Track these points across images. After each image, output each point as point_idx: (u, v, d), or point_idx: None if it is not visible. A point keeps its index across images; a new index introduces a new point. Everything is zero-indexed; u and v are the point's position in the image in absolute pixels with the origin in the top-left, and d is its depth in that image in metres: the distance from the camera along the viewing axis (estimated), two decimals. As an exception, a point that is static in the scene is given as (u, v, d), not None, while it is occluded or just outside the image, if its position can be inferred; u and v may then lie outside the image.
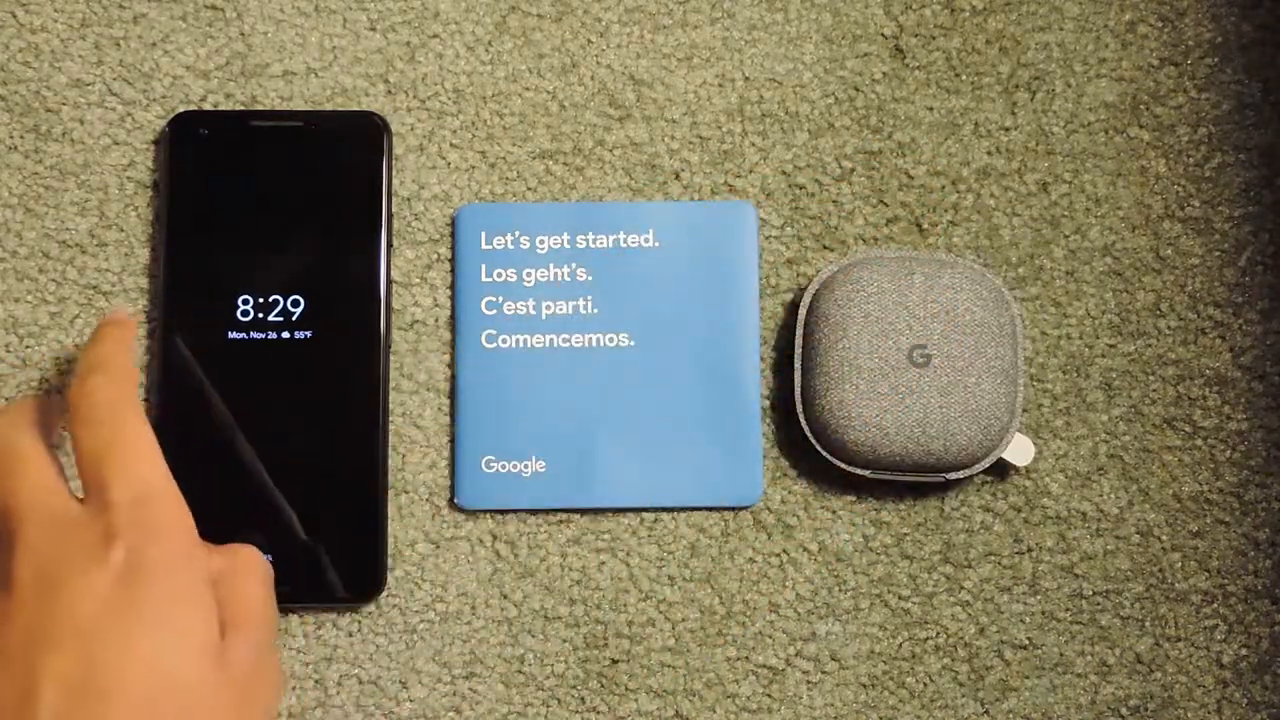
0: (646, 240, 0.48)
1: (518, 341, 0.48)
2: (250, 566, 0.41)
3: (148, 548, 0.37)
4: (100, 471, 0.38)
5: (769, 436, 0.48)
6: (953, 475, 0.46)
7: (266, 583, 0.41)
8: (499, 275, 0.48)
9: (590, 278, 0.48)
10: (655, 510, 0.48)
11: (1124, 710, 0.48)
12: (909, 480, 0.47)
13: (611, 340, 0.48)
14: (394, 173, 0.49)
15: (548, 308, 0.48)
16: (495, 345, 0.48)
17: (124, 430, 0.39)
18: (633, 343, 0.48)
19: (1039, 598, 0.48)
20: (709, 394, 0.48)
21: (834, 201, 0.49)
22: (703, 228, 0.48)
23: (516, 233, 0.48)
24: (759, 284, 0.49)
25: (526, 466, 0.47)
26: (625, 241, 0.48)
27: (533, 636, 0.47)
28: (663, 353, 0.48)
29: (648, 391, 0.48)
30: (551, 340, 0.48)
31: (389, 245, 0.48)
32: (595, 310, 0.48)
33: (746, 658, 0.47)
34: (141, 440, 0.39)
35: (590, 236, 0.48)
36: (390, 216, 0.48)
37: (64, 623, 0.35)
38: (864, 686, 0.47)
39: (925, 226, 0.49)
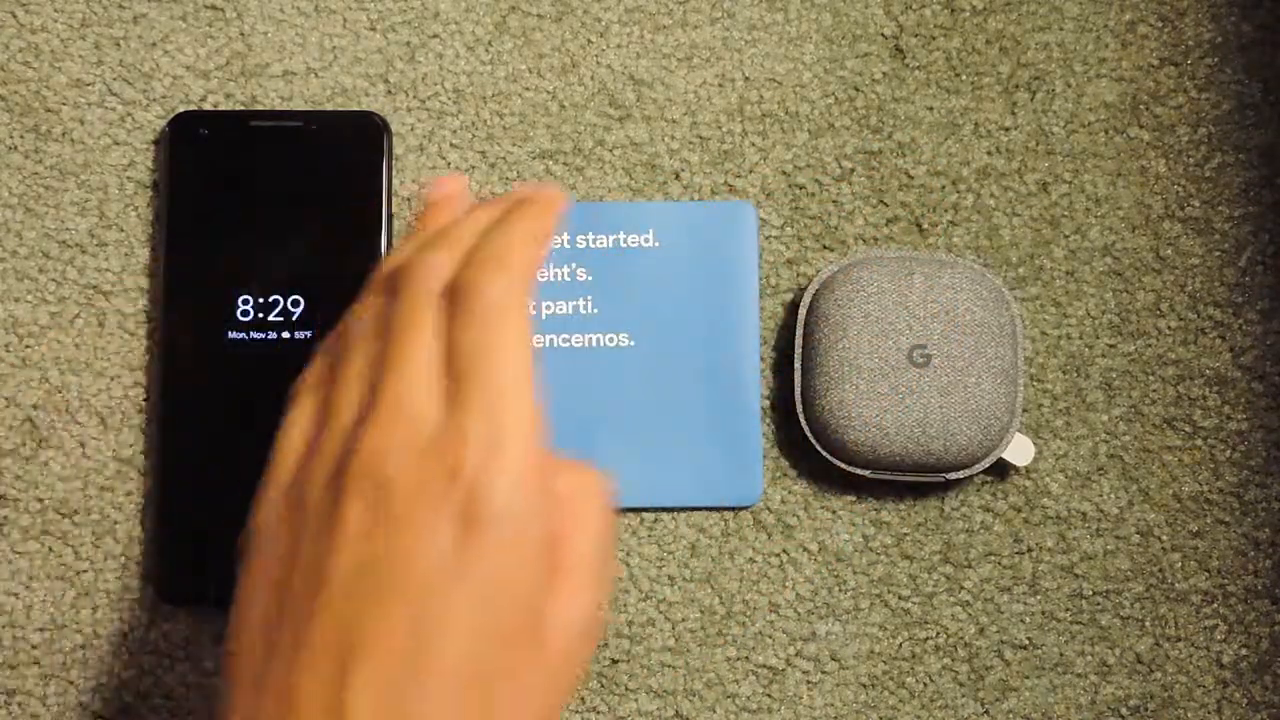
0: (646, 240, 0.48)
1: None
2: (590, 506, 0.34)
3: (493, 495, 0.31)
4: (464, 383, 0.32)
5: (769, 436, 0.48)
6: (953, 475, 0.46)
7: (604, 525, 0.35)
8: None
9: (590, 278, 0.48)
10: (655, 510, 0.48)
11: (1124, 710, 0.48)
12: (909, 480, 0.47)
13: (611, 340, 0.48)
14: (394, 173, 0.49)
15: (547, 308, 0.48)
16: None
17: (507, 338, 0.33)
18: (633, 342, 0.48)
19: (1039, 598, 0.48)
20: (709, 394, 0.48)
21: (834, 201, 0.49)
22: (703, 228, 0.48)
23: None
24: (759, 284, 0.49)
25: None
26: (625, 241, 0.48)
27: (533, 636, 0.47)
28: (663, 353, 0.48)
29: (648, 391, 0.48)
30: (551, 340, 0.48)
31: (389, 245, 0.48)
32: (595, 310, 0.48)
33: (746, 658, 0.47)
34: (520, 353, 0.33)
35: (590, 237, 0.48)
36: (390, 216, 0.48)
37: (399, 572, 0.31)
38: (864, 686, 0.47)
39: (925, 226, 0.49)
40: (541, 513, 0.32)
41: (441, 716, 0.30)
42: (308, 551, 0.32)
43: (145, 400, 0.47)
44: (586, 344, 0.48)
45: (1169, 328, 0.49)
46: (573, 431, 0.47)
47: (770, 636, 0.47)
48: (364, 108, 0.49)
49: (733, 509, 0.48)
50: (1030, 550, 0.48)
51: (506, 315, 0.33)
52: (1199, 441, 0.49)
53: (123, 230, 0.48)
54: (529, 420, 0.32)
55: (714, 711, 0.47)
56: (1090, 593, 0.48)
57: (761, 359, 0.49)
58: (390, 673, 0.30)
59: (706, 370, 0.48)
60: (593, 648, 0.34)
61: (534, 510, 0.32)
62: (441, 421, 0.32)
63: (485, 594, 0.31)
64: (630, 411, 0.48)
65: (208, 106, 0.49)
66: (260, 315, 0.47)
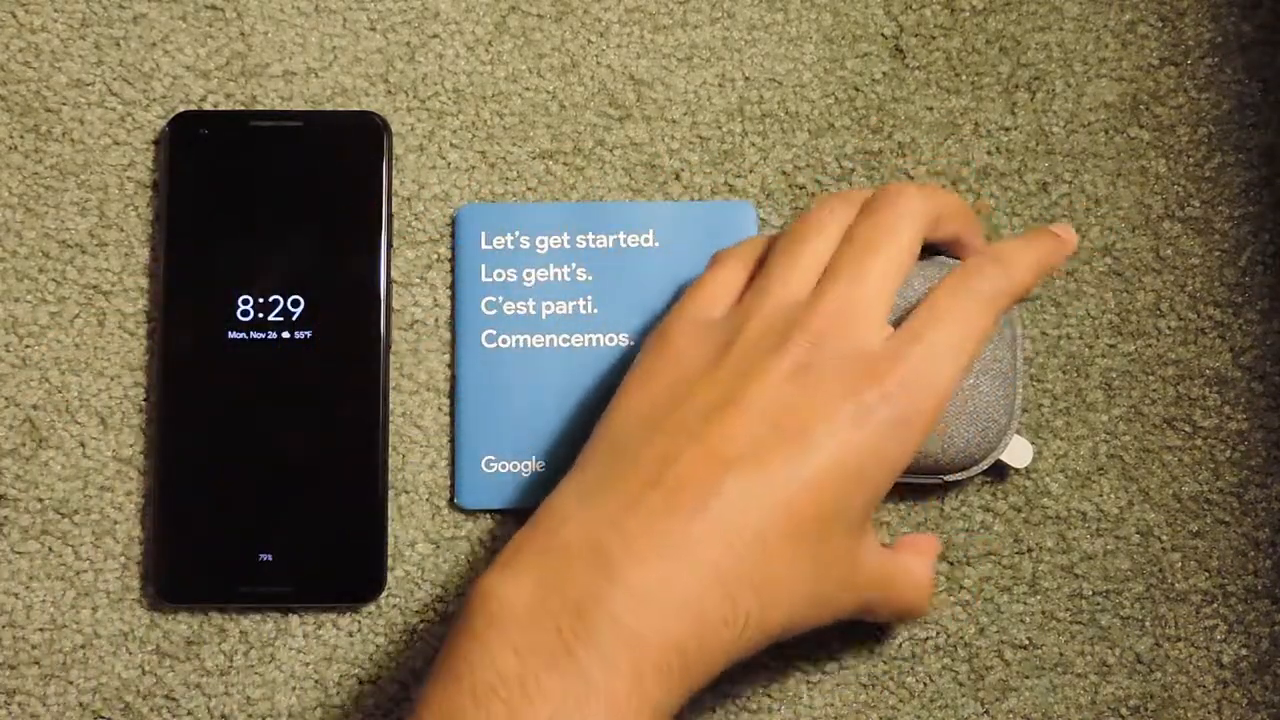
0: (646, 240, 0.48)
1: (518, 341, 0.48)
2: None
3: (890, 410, 0.38)
4: (925, 326, 0.39)
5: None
6: (950, 477, 0.46)
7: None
8: (499, 275, 0.48)
9: (590, 278, 0.48)
10: None
11: (1124, 710, 0.48)
12: (908, 482, 0.47)
13: (612, 340, 0.48)
14: (394, 173, 0.49)
15: (548, 308, 0.48)
16: (495, 345, 0.48)
17: (972, 317, 0.40)
18: (633, 342, 0.48)
19: (1039, 598, 0.48)
20: None
21: (834, 201, 0.49)
22: (703, 227, 0.48)
23: (516, 233, 0.48)
24: None
25: (526, 466, 0.47)
26: (625, 241, 0.48)
27: (532, 636, 0.47)
28: None
29: None
30: (552, 340, 0.48)
31: (389, 245, 0.48)
32: (595, 310, 0.48)
33: (747, 657, 0.47)
34: (976, 334, 0.40)
35: (590, 236, 0.48)
36: (390, 216, 0.48)
37: (751, 406, 0.38)
38: (864, 686, 0.47)
39: (925, 226, 0.49)
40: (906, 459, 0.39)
41: (774, 519, 0.37)
42: (726, 375, 0.39)
43: (145, 400, 0.48)
44: (587, 344, 0.48)
45: (1169, 328, 0.49)
46: (573, 431, 0.47)
47: (770, 636, 0.47)
48: (364, 108, 0.49)
49: None
50: (1030, 550, 0.48)
51: (986, 307, 0.41)
52: (1199, 441, 0.49)
53: (123, 230, 0.48)
54: (948, 385, 0.39)
55: (714, 711, 0.47)
56: (1090, 593, 0.48)
57: None
58: (773, 476, 0.37)
59: None
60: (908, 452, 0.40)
61: (906, 454, 0.39)
62: (884, 338, 0.39)
63: (844, 478, 0.38)
64: None
65: (208, 106, 0.49)
66: (260, 315, 0.47)
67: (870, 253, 0.40)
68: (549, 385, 0.47)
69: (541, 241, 0.48)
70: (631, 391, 0.40)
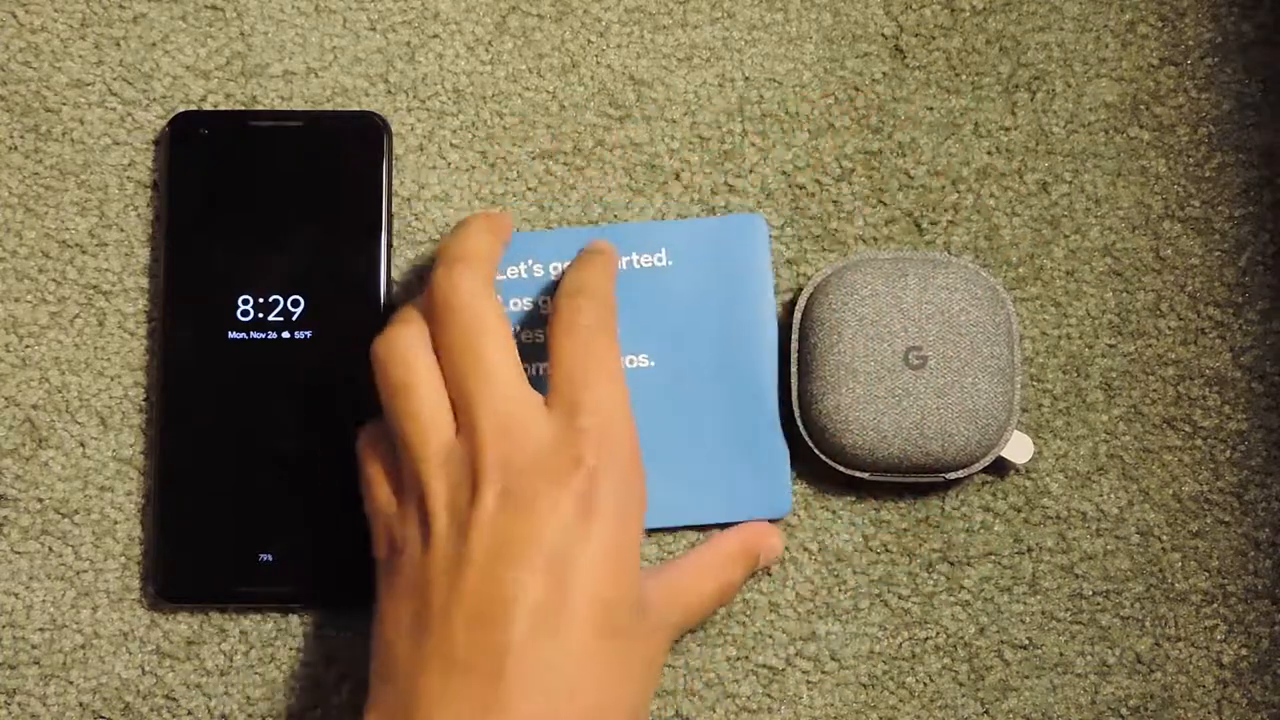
0: (659, 260, 0.47)
1: (539, 370, 0.46)
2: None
3: (606, 480, 0.39)
4: (576, 391, 0.39)
5: (769, 436, 0.48)
6: (951, 475, 0.46)
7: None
8: (515, 305, 0.47)
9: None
10: (688, 528, 0.47)
11: (1124, 710, 0.48)
12: (909, 481, 0.47)
13: (631, 362, 0.47)
14: (394, 173, 0.49)
15: None
16: None
17: (602, 353, 0.40)
18: (652, 363, 0.47)
19: (1039, 598, 0.48)
20: (732, 409, 0.47)
21: (834, 202, 0.49)
22: (716, 243, 0.48)
23: (530, 261, 0.47)
24: (774, 296, 0.48)
25: None
26: (638, 262, 0.47)
27: (532, 636, 0.47)
28: (683, 372, 0.47)
29: (670, 411, 0.47)
30: None
31: (389, 245, 0.48)
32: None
33: (746, 658, 0.47)
34: (615, 366, 0.41)
35: None
36: (390, 216, 0.48)
37: (533, 542, 0.37)
38: (864, 686, 0.47)
39: (925, 227, 0.49)
40: (642, 502, 0.40)
41: (581, 666, 0.37)
42: (444, 547, 0.38)
43: (145, 400, 0.48)
44: None
45: (1169, 328, 0.49)
46: None
47: (770, 636, 0.47)
48: (364, 108, 0.49)
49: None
50: (1030, 550, 0.48)
51: (604, 336, 0.41)
52: (1199, 441, 0.49)
53: (123, 230, 0.48)
54: (628, 411, 0.40)
55: (714, 711, 0.47)
56: (1090, 593, 0.48)
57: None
58: (537, 625, 0.36)
59: (728, 386, 0.47)
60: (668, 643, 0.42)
61: (640, 498, 0.40)
62: (554, 427, 0.39)
63: (608, 560, 0.38)
64: (655, 432, 0.46)
65: (208, 106, 0.49)
66: (260, 315, 0.47)
67: (471, 352, 0.40)
68: None
69: (555, 268, 0.47)
70: (384, 616, 0.40)
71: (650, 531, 0.47)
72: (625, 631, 0.39)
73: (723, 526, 0.47)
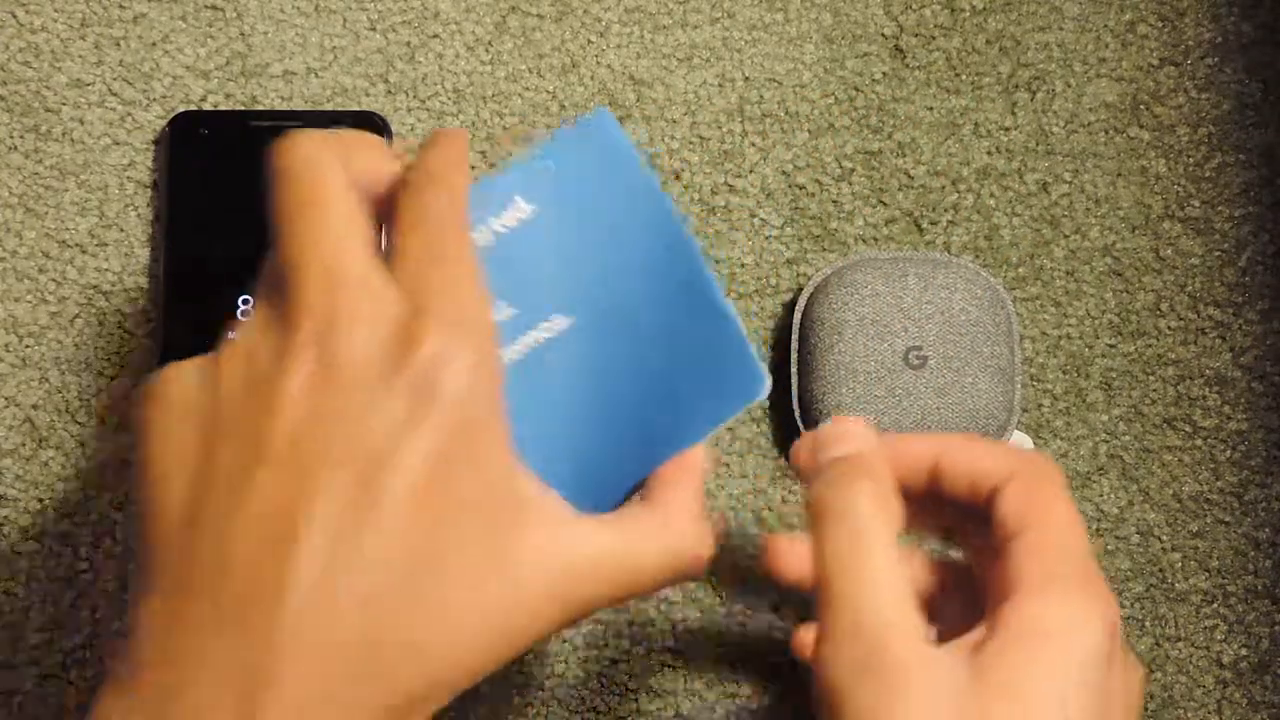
0: (522, 214, 0.39)
1: None
2: None
3: (451, 370, 0.30)
4: (423, 275, 0.32)
5: (769, 436, 0.48)
6: (952, 475, 0.46)
7: None
8: None
9: (489, 277, 0.39)
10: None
11: (1124, 710, 0.48)
12: (909, 480, 0.47)
13: (548, 330, 0.40)
14: (394, 173, 0.49)
15: None
16: None
17: (454, 246, 0.33)
18: (572, 318, 0.40)
19: (1039, 598, 0.48)
20: (671, 315, 0.40)
21: (834, 202, 0.49)
22: (569, 166, 0.40)
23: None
24: (663, 190, 0.40)
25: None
26: (499, 225, 0.39)
27: (532, 636, 0.47)
28: (605, 306, 0.40)
29: (613, 360, 0.40)
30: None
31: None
32: (514, 310, 0.39)
33: (747, 658, 0.47)
34: (470, 259, 0.33)
35: None
36: (390, 216, 0.48)
37: (347, 438, 0.29)
38: (864, 686, 0.47)
39: (925, 227, 0.49)
40: (501, 416, 0.32)
41: (389, 580, 0.29)
42: (242, 421, 0.30)
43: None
44: (524, 351, 0.40)
45: (1169, 328, 0.49)
46: (562, 443, 0.40)
47: (770, 637, 0.47)
48: (364, 108, 0.49)
49: (746, 408, 0.41)
50: (1030, 550, 0.48)
51: (454, 229, 0.33)
52: (1199, 441, 0.49)
53: (123, 230, 0.48)
54: (490, 326, 0.32)
55: (714, 711, 0.47)
56: (1090, 593, 0.48)
57: (761, 357, 0.48)
58: (338, 529, 0.29)
59: (659, 303, 0.40)
60: (592, 592, 0.33)
61: (497, 408, 0.32)
62: (396, 298, 0.31)
63: (438, 468, 0.30)
64: (607, 389, 0.40)
65: (208, 106, 0.49)
66: (260, 315, 0.47)
67: (311, 207, 0.32)
68: (518, 407, 0.38)
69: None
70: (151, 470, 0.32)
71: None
72: (461, 551, 0.31)
73: (712, 436, 0.40)
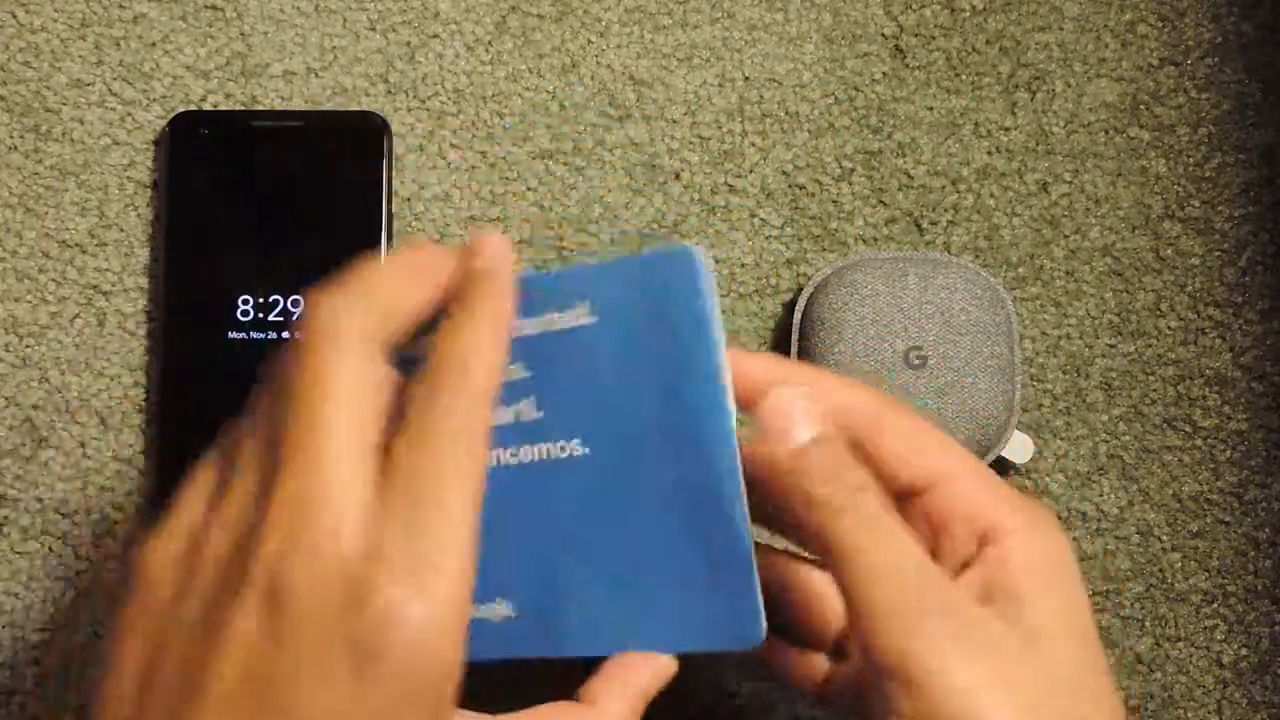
0: (581, 317, 0.36)
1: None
2: None
3: (401, 631, 0.28)
4: (404, 514, 0.28)
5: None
6: (952, 475, 0.46)
7: None
8: None
9: (528, 373, 0.36)
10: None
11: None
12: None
13: (562, 450, 0.36)
14: (394, 173, 0.49)
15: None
16: None
17: (463, 464, 0.30)
18: (586, 450, 0.36)
19: (1039, 598, 0.48)
20: (685, 507, 0.35)
21: (834, 202, 0.49)
22: (642, 287, 0.36)
23: None
24: (721, 353, 0.35)
25: (493, 611, 0.37)
26: (557, 323, 0.36)
27: (532, 636, 0.47)
28: (623, 458, 0.36)
29: (611, 508, 0.36)
30: (497, 457, 0.36)
31: (389, 245, 0.48)
32: (539, 413, 0.36)
33: (747, 658, 0.47)
34: (465, 501, 0.29)
35: (518, 322, 0.35)
36: (390, 216, 0.48)
37: (286, 697, 0.28)
38: (864, 686, 0.47)
39: (925, 227, 0.49)
40: (453, 678, 0.29)
41: None
42: (189, 647, 0.29)
43: (145, 400, 0.48)
44: (535, 457, 0.36)
45: (1169, 328, 0.49)
46: (537, 566, 0.37)
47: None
48: (364, 108, 0.49)
49: (731, 651, 0.36)
50: (1030, 550, 0.48)
51: (466, 443, 0.30)
52: (1199, 441, 0.49)
53: (123, 230, 0.48)
54: (462, 575, 0.29)
55: (714, 711, 0.47)
56: (1090, 593, 0.48)
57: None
58: None
59: (678, 476, 0.35)
60: None
61: (448, 671, 0.29)
62: (365, 531, 0.28)
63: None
64: (597, 535, 0.36)
65: (208, 106, 0.49)
66: (260, 315, 0.47)
67: (304, 404, 0.29)
68: (505, 512, 0.36)
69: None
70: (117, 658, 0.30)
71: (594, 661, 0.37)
72: None
73: (681, 654, 0.36)
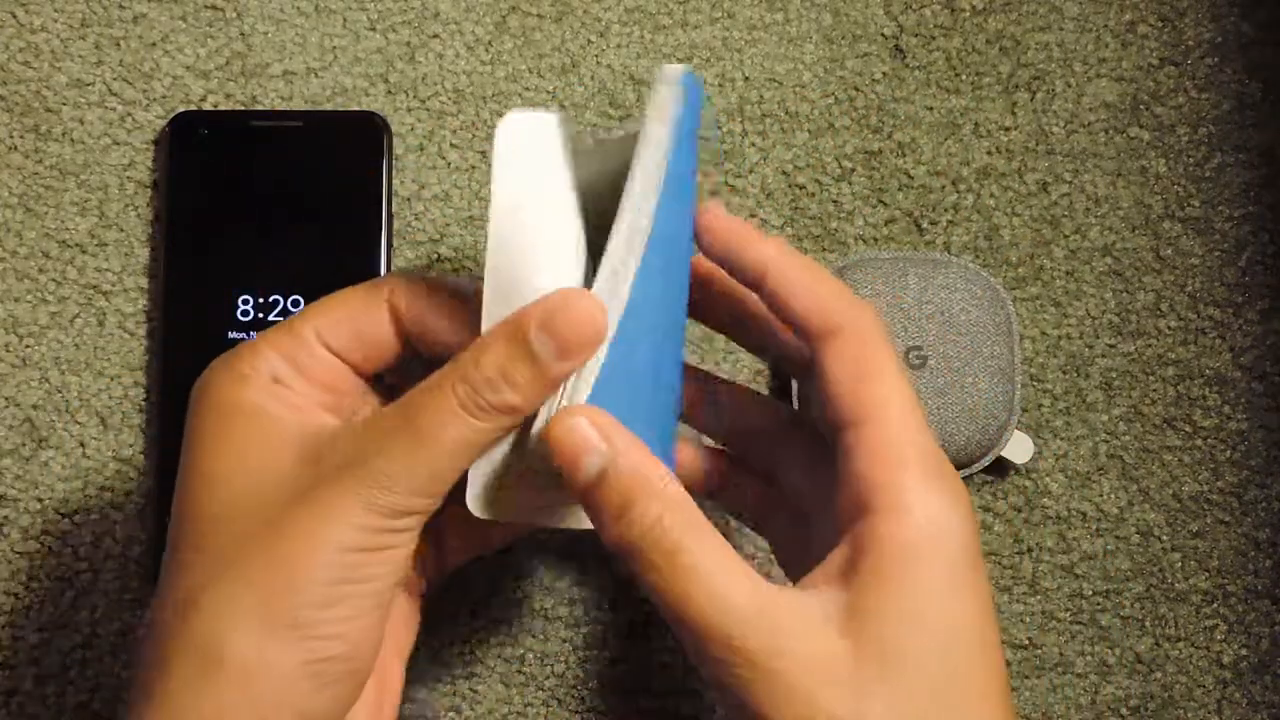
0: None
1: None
2: None
3: None
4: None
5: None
6: (952, 475, 0.46)
7: None
8: None
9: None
10: None
11: (1124, 710, 0.48)
12: (909, 480, 0.47)
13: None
14: (394, 173, 0.49)
15: None
16: None
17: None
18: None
19: (1039, 598, 0.48)
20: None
21: (834, 201, 0.49)
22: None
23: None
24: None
25: None
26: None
27: (533, 636, 0.47)
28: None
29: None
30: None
31: (389, 245, 0.48)
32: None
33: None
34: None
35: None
36: (390, 216, 0.48)
37: None
38: (864, 686, 0.47)
39: (925, 227, 0.49)
40: None
41: None
42: None
43: (145, 400, 0.47)
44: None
45: (1169, 328, 0.49)
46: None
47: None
48: (364, 108, 0.49)
49: None
50: (1030, 550, 0.48)
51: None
52: (1199, 441, 0.49)
53: (123, 230, 0.48)
54: None
55: (714, 711, 0.47)
56: (1090, 593, 0.48)
57: (761, 363, 0.48)
58: None
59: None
60: None
61: None
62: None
63: None
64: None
65: (208, 106, 0.49)
66: (260, 315, 0.47)
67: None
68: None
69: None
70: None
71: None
72: None
73: None
